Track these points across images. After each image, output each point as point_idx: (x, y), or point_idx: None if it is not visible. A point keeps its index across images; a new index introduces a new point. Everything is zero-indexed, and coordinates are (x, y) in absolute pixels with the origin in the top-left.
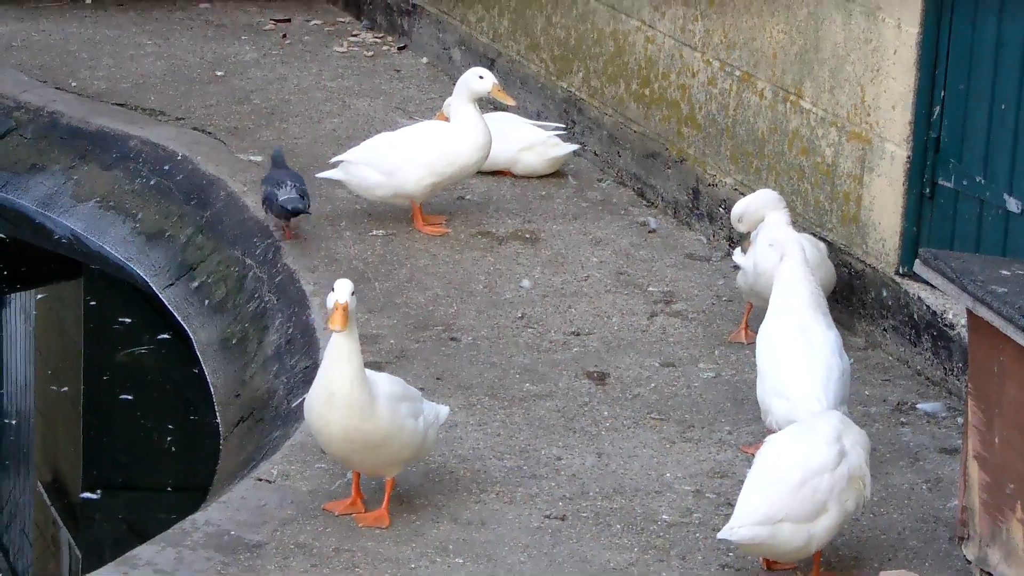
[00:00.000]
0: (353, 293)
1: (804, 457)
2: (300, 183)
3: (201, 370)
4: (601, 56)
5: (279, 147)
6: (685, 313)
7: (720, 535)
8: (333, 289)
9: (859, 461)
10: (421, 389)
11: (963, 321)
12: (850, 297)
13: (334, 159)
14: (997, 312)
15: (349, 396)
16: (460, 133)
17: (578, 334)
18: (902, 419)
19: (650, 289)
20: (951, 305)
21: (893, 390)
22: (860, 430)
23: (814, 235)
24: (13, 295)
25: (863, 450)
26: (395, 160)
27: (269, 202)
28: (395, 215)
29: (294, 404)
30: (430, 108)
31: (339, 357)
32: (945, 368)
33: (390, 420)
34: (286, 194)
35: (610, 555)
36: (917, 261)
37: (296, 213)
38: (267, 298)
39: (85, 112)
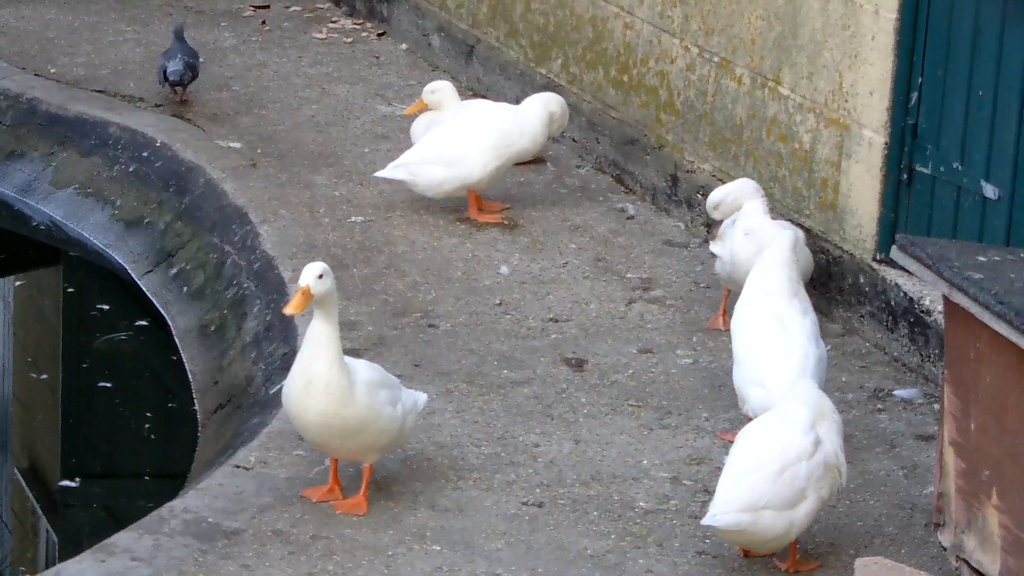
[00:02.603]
0: (321, 276)
1: (781, 445)
2: (190, 57)
3: (179, 357)
4: (580, 42)
5: (180, 23)
6: (663, 300)
7: (704, 521)
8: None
9: (834, 449)
10: (399, 376)
11: (940, 307)
12: (827, 283)
13: (391, 165)
14: (973, 298)
15: (327, 382)
16: (517, 114)
17: (556, 320)
18: (879, 405)
19: (628, 276)
20: (928, 291)
21: (870, 376)
22: (834, 411)
23: (791, 222)
24: None
25: (837, 436)
26: (457, 150)
27: (160, 72)
28: (373, 201)
29: (272, 391)
30: (409, 95)
31: (318, 343)
32: (922, 354)
33: (368, 407)
34: (173, 66)
35: (587, 542)
36: (894, 247)
37: (177, 83)
38: (245, 285)
39: (64, 99)
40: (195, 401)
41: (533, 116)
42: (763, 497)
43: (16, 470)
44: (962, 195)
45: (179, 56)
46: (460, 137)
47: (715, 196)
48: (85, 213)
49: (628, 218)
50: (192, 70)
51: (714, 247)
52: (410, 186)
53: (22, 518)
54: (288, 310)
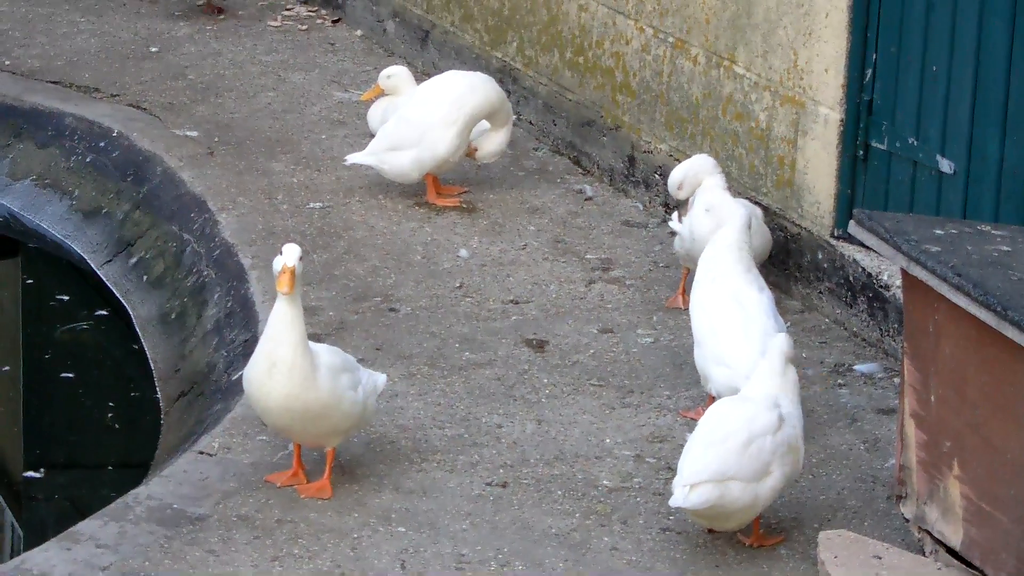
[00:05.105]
0: (301, 258)
1: (747, 419)
2: None
3: (141, 346)
4: (535, 25)
5: None
6: (623, 280)
7: (672, 503)
8: (281, 253)
9: (796, 432)
10: (361, 360)
11: (898, 283)
12: (786, 260)
13: (362, 152)
14: (931, 271)
15: (291, 365)
16: (463, 76)
17: (516, 302)
18: (839, 380)
19: (587, 256)
20: (886, 267)
21: (830, 352)
22: (797, 400)
23: (749, 200)
24: None
25: (798, 421)
26: (416, 130)
27: None
28: (331, 187)
29: (234, 377)
30: (365, 81)
31: (282, 326)
32: (881, 329)
33: (330, 391)
34: None
35: (552, 521)
36: (851, 222)
37: None
38: (205, 272)
39: (19, 90)
40: (157, 389)
41: (475, 74)
42: (730, 468)
43: None
44: (918, 170)
45: None
46: (415, 118)
47: (676, 175)
48: (43, 204)
49: (586, 199)
50: None
51: (673, 224)
52: (380, 172)
53: None
54: (284, 289)
